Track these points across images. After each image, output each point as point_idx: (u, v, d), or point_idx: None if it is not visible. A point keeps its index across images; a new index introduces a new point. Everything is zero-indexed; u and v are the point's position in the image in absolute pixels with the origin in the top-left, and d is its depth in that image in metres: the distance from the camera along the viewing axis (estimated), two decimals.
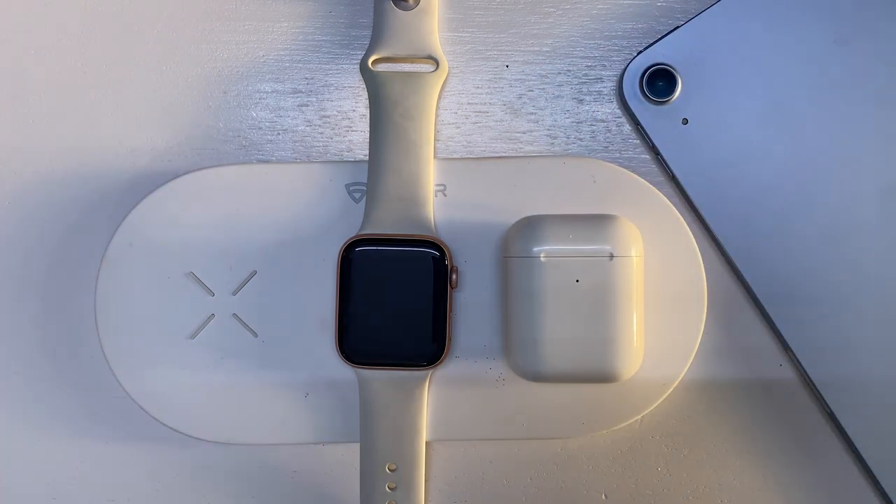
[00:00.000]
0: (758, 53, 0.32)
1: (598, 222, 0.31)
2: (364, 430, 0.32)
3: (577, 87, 0.34)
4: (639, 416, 0.32)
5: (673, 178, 0.33)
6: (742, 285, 0.33)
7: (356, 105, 0.34)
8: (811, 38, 0.32)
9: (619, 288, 0.30)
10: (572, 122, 0.34)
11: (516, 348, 0.31)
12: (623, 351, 0.30)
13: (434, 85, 0.32)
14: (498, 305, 0.32)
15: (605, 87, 0.34)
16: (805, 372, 0.32)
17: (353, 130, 0.34)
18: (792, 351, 0.32)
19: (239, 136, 0.34)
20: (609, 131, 0.34)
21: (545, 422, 0.32)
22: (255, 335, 0.32)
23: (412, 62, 0.33)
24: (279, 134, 0.34)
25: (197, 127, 0.34)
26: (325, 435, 0.32)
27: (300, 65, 0.34)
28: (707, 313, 0.32)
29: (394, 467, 0.32)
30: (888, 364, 0.32)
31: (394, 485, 0.32)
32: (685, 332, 0.32)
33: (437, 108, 0.33)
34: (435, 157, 0.32)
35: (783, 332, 0.32)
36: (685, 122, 0.32)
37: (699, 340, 0.32)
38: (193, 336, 0.32)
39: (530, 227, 0.31)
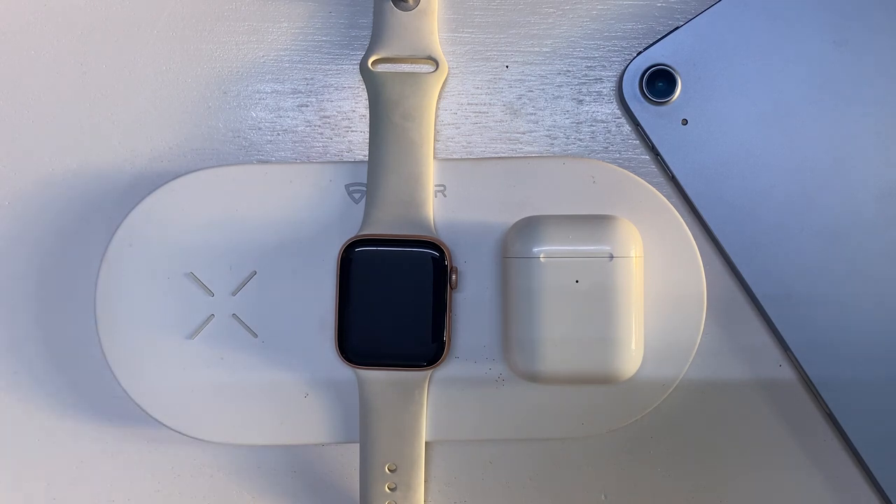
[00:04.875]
0: (758, 54, 0.32)
1: (597, 223, 0.31)
2: (364, 431, 0.32)
3: (577, 87, 0.34)
4: (639, 416, 0.32)
5: (672, 179, 0.33)
6: (742, 285, 0.33)
7: (356, 105, 0.34)
8: (811, 39, 0.32)
9: (619, 288, 0.30)
10: (572, 123, 0.34)
11: (516, 348, 0.31)
12: (623, 351, 0.30)
13: (434, 85, 0.32)
14: (498, 306, 0.32)
15: (604, 88, 0.34)
16: (804, 372, 0.32)
17: (352, 131, 0.34)
18: (791, 351, 0.32)
19: (239, 137, 0.34)
20: (609, 132, 0.34)
21: (545, 422, 0.32)
22: (255, 335, 0.32)
23: (412, 62, 0.33)
24: (279, 134, 0.34)
25: (197, 127, 0.34)
26: (324, 435, 0.32)
27: (300, 65, 0.34)
28: (707, 313, 0.32)
29: (393, 467, 0.32)
30: (888, 364, 0.32)
31: (393, 485, 0.32)
32: (685, 332, 0.32)
33: (437, 108, 0.33)
34: (435, 157, 0.32)
35: (783, 332, 0.32)
36: (685, 122, 0.32)
37: (699, 340, 0.32)
38: (193, 336, 0.32)
39: (530, 228, 0.31)
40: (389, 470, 0.32)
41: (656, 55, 0.33)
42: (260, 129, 0.34)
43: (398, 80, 0.32)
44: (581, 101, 0.34)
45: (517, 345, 0.31)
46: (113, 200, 0.34)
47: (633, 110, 0.33)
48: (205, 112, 0.34)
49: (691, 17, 0.33)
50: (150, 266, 0.32)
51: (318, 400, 0.32)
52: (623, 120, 0.34)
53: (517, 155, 0.34)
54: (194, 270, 0.32)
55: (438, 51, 0.33)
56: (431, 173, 0.32)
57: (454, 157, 0.34)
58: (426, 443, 0.32)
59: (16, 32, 0.34)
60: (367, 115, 0.33)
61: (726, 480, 0.34)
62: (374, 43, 0.32)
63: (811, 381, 0.32)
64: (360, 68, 0.32)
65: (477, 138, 0.34)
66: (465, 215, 0.32)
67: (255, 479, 0.34)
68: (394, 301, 0.31)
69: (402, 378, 0.31)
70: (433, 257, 0.31)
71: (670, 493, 0.34)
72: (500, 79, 0.34)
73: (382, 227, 0.31)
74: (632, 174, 0.32)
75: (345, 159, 0.34)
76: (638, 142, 0.34)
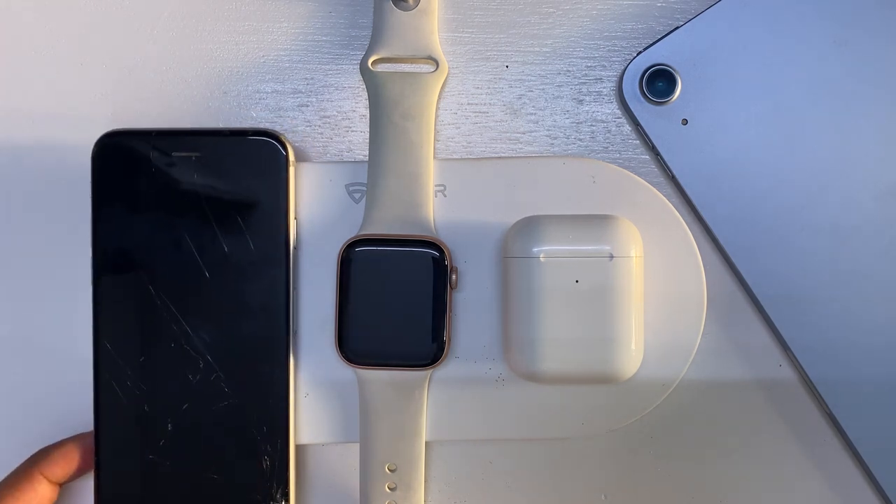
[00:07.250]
0: (757, 54, 0.32)
1: (597, 223, 0.31)
2: (364, 431, 0.32)
3: (577, 87, 0.34)
4: (639, 416, 0.32)
5: (672, 179, 0.33)
6: (742, 285, 0.33)
7: (356, 105, 0.34)
8: (811, 39, 0.32)
9: (619, 288, 0.30)
10: (572, 123, 0.34)
11: (516, 348, 0.31)
12: (623, 351, 0.30)
13: (434, 85, 0.32)
14: (498, 305, 0.32)
15: (604, 88, 0.34)
16: (805, 372, 0.32)
17: (352, 131, 0.34)
18: (791, 351, 0.32)
19: None
20: (609, 132, 0.34)
21: (545, 422, 0.32)
22: None
23: (412, 62, 0.33)
24: None
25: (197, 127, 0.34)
26: (325, 435, 0.32)
27: (300, 65, 0.34)
28: (707, 313, 0.32)
29: (394, 467, 0.32)
30: (888, 364, 0.32)
31: (393, 485, 0.32)
32: (685, 332, 0.32)
33: (437, 108, 0.33)
34: (435, 157, 0.32)
35: (783, 332, 0.32)
36: (685, 122, 0.32)
37: (699, 340, 0.32)
38: None
39: (530, 228, 0.31)
40: (389, 470, 0.32)
41: (656, 55, 0.33)
42: None
43: (398, 79, 0.32)
44: (581, 101, 0.34)
45: (517, 345, 0.31)
46: None
47: (633, 110, 0.33)
48: (205, 112, 0.34)
49: (691, 17, 0.33)
50: None
51: (318, 400, 0.32)
52: (623, 120, 0.34)
53: (517, 155, 0.34)
54: None
55: (438, 51, 0.33)
56: (431, 173, 0.32)
57: (454, 157, 0.34)
58: (426, 443, 0.32)
59: (16, 33, 0.34)
60: (367, 115, 0.33)
61: (726, 480, 0.34)
62: (374, 43, 0.32)
63: (811, 381, 0.32)
64: (360, 68, 0.32)
65: (477, 138, 0.34)
66: (465, 215, 0.32)
67: None
68: (394, 301, 0.31)
69: (402, 378, 0.31)
70: (433, 257, 0.31)
71: (670, 493, 0.34)
72: (500, 79, 0.34)
73: (382, 227, 0.31)
74: (632, 174, 0.32)
75: (345, 159, 0.34)
76: (638, 142, 0.34)
